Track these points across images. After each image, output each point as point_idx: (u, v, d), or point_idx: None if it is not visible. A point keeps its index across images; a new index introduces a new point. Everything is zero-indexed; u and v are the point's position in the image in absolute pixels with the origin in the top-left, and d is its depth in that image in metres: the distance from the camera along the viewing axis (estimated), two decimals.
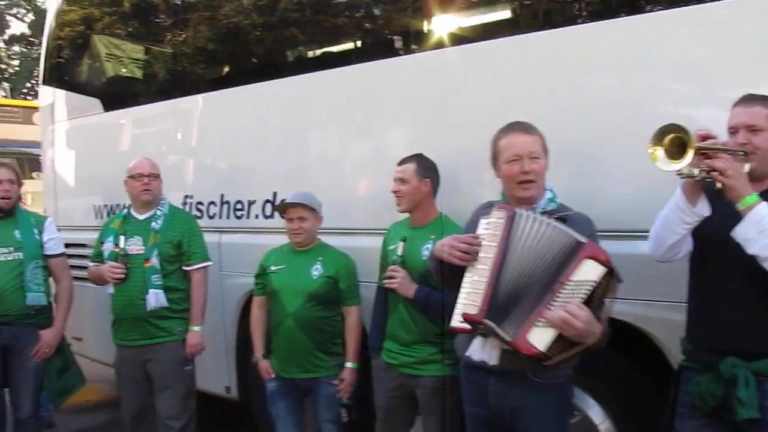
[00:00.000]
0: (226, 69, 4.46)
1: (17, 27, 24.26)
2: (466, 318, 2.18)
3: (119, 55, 5.10)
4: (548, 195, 2.40)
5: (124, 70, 5.11)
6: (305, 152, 3.86)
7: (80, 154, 5.33)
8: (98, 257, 3.70)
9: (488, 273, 2.18)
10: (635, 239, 2.50)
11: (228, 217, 4.07)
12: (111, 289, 3.58)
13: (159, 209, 3.65)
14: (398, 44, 3.49)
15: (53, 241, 3.82)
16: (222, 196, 4.13)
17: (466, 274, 2.24)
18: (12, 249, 3.65)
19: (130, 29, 5.11)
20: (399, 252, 2.96)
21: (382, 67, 3.45)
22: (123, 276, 3.48)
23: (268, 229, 3.88)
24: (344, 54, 3.77)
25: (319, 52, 3.99)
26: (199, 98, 4.34)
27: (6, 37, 24.30)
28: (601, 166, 2.77)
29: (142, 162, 3.66)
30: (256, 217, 3.96)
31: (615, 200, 2.71)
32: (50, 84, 5.48)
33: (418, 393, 2.96)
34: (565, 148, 2.59)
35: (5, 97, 21.13)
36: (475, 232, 2.30)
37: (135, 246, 3.55)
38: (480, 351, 2.33)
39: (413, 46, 3.39)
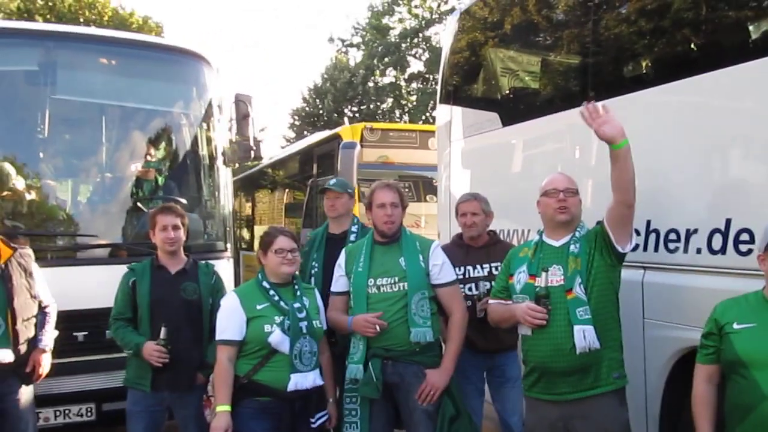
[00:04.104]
0: (651, 63, 3.55)
1: (415, 66, 26.99)
2: None
3: (515, 68, 4.64)
4: None
5: (524, 82, 4.61)
6: None
7: (475, 174, 5.01)
8: (502, 292, 3.14)
9: None
10: None
11: (656, 250, 3.19)
12: (526, 332, 2.97)
13: (578, 231, 2.97)
14: None
15: (439, 267, 3.35)
16: (648, 222, 3.26)
17: None
18: (397, 279, 3.27)
19: (527, 41, 4.60)
20: None
21: None
22: (545, 322, 2.85)
23: (715, 268, 2.91)
24: None
25: None
26: (613, 102, 3.51)
27: (406, 75, 27.14)
28: None
29: (557, 176, 3.06)
30: (698, 251, 3.01)
31: None
32: (447, 102, 5.29)
33: None
34: None
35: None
36: None
37: (555, 277, 2.90)
38: None
39: None
